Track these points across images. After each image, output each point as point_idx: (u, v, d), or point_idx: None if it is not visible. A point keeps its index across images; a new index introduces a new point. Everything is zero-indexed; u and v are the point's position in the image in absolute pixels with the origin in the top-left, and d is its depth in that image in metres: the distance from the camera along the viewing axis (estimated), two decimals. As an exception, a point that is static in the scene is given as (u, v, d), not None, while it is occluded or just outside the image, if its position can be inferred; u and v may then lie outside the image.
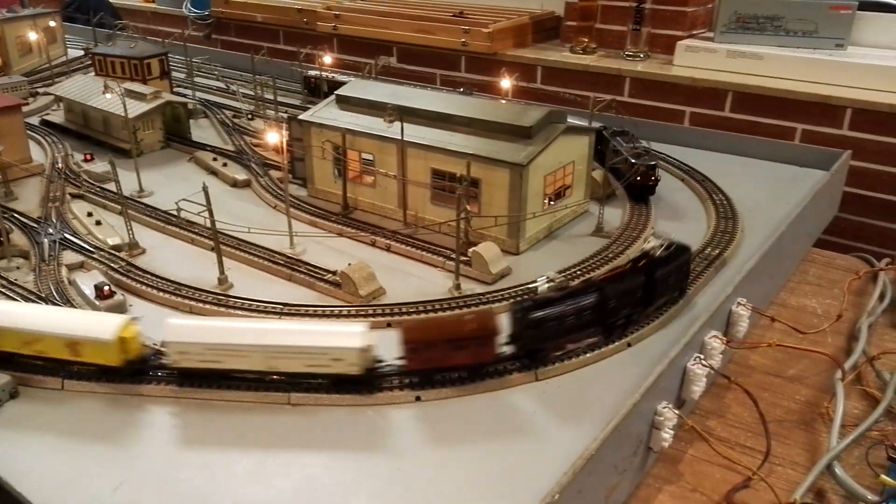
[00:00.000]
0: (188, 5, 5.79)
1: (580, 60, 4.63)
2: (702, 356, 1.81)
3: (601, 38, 4.80)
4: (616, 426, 1.47)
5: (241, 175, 2.96)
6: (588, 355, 1.86)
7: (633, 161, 2.72)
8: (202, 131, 3.48)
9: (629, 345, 1.92)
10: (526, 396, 1.76)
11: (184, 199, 2.19)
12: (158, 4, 6.14)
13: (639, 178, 2.70)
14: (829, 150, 3.23)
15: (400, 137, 2.51)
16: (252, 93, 3.89)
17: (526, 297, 2.06)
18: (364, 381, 1.73)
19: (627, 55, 4.58)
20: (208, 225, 2.21)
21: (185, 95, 3.85)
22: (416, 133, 2.52)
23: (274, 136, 2.45)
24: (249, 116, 3.60)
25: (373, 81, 3.05)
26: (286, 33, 5.73)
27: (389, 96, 2.73)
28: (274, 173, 3.00)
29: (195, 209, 2.20)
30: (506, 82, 3.29)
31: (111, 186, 2.86)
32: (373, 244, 2.50)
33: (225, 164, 3.04)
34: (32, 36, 4.17)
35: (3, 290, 2.18)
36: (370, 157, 2.65)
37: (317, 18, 5.42)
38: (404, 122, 2.48)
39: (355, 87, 2.84)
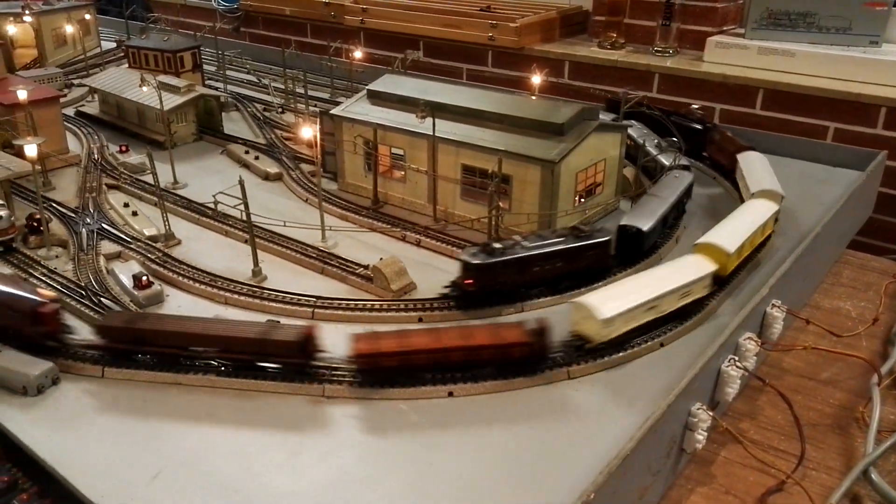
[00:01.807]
0: (218, -2, 5.83)
1: (608, 56, 4.59)
2: (736, 358, 1.79)
3: (630, 33, 4.75)
4: (652, 426, 1.47)
5: (272, 168, 2.98)
6: (620, 354, 1.85)
7: (662, 161, 2.70)
8: (234, 124, 3.51)
9: (662, 345, 1.91)
10: (559, 394, 1.75)
11: (221, 193, 2.21)
12: (188, -3, 6.18)
13: None
14: (863, 149, 3.17)
15: (431, 133, 2.50)
16: (282, 86, 3.90)
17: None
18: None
19: (656, 51, 4.53)
20: (244, 218, 2.23)
21: (216, 88, 3.88)
22: (447, 129, 2.51)
23: (308, 131, 2.46)
24: (280, 110, 3.62)
25: (404, 77, 3.04)
26: (313, 27, 5.74)
27: (420, 92, 2.73)
28: (305, 167, 3.01)
29: (230, 202, 2.23)
30: (536, 78, 3.27)
31: (146, 178, 2.90)
32: (403, 239, 2.51)
33: (257, 158, 3.06)
34: (69, 29, 4.22)
35: (43, 278, 2.21)
36: (401, 152, 2.65)
37: (344, 12, 5.42)
38: (435, 118, 2.47)
39: (386, 82, 2.84)
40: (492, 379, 1.77)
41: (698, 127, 3.13)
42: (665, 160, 2.72)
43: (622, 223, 2.28)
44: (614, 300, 1.84)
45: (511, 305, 2.10)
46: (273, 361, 1.81)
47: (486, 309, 2.07)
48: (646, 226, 2.26)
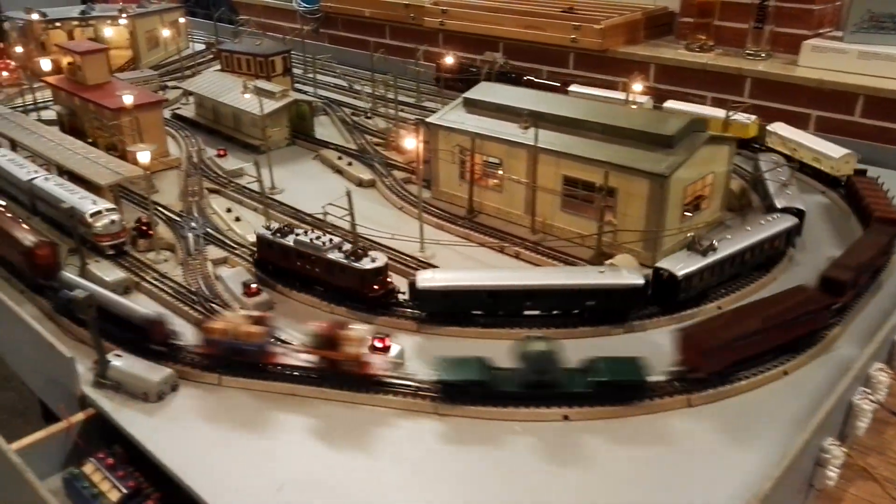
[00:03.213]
0: (298, 0, 5.91)
1: (697, 59, 4.45)
2: (868, 390, 1.71)
3: (719, 35, 4.59)
4: (790, 464, 1.41)
5: (365, 175, 3.00)
6: (742, 383, 1.78)
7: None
8: (323, 128, 3.55)
9: (785, 373, 1.83)
10: (679, 422, 1.70)
11: (330, 204, 2.23)
12: (269, -2, 6.29)
13: None
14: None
15: (530, 142, 2.47)
16: (371, 91, 3.92)
17: None
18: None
19: (748, 54, 4.37)
20: (350, 228, 2.24)
21: (304, 92, 3.93)
22: (547, 138, 2.47)
23: (411, 142, 2.46)
24: (368, 115, 3.64)
25: (499, 84, 3.02)
26: (392, 28, 5.76)
27: (518, 100, 2.70)
28: (397, 174, 3.02)
29: (337, 212, 2.24)
30: (638, 86, 3.19)
31: (243, 181, 2.96)
32: (501, 251, 2.48)
33: (350, 164, 3.08)
34: (165, 32, 4.34)
35: (155, 282, 2.28)
36: (497, 161, 2.63)
37: (424, 14, 5.42)
38: (537, 128, 2.44)
39: (483, 90, 2.82)
40: (608, 404, 1.73)
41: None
42: (778, 201, 2.51)
43: (658, 265, 2.12)
44: None
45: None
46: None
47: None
48: (682, 271, 2.08)
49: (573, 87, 4.02)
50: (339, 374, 1.81)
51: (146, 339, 1.93)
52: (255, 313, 1.91)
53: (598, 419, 1.72)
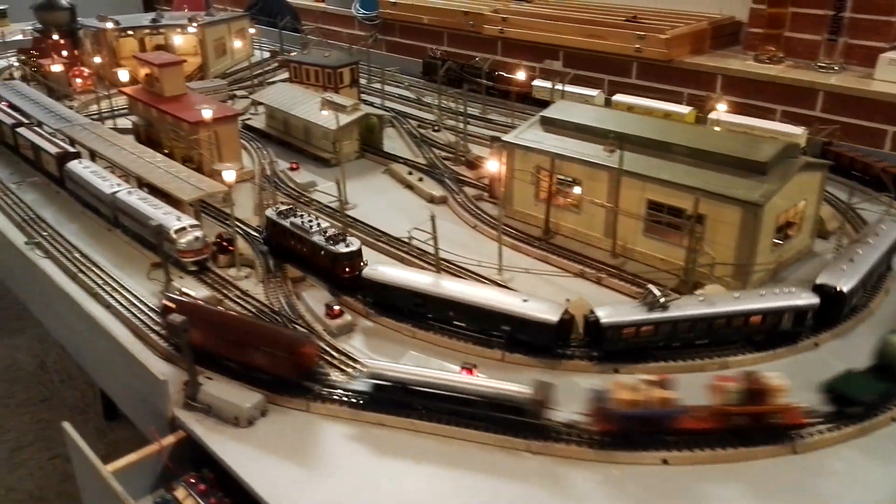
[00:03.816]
0: (357, 6, 5.90)
1: (766, 71, 4.32)
2: None
3: (790, 46, 4.44)
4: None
5: (436, 191, 2.96)
6: (850, 429, 1.70)
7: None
8: (390, 141, 3.52)
9: (894, 420, 1.74)
10: (784, 470, 1.62)
11: (416, 228, 2.20)
12: (328, 4, 6.30)
13: None
14: None
15: (614, 165, 2.40)
16: (438, 103, 3.88)
17: None
18: None
19: (820, 66, 4.22)
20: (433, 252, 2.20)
21: (371, 103, 3.91)
22: (631, 161, 2.40)
23: (494, 165, 2.42)
24: (436, 128, 3.60)
25: (577, 104, 2.95)
26: (451, 35, 5.72)
27: (598, 120, 2.63)
28: (468, 190, 2.97)
29: (410, 231, 2.21)
30: (722, 106, 3.09)
31: (315, 195, 2.95)
32: (581, 275, 2.42)
33: (421, 179, 3.04)
34: (237, 44, 4.37)
35: (237, 300, 2.27)
36: (576, 182, 2.57)
37: (483, 21, 5.37)
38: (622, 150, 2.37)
39: (560, 108, 2.76)
40: (711, 448, 1.66)
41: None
42: (822, 276, 2.24)
43: (819, 282, 2.06)
44: None
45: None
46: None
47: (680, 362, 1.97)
48: (847, 285, 2.03)
49: (537, 83, 4.13)
50: (761, 428, 1.66)
51: (524, 413, 1.71)
52: (653, 377, 1.69)
53: (695, 464, 1.65)
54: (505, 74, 4.20)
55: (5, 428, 4.49)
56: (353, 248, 2.19)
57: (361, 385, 1.83)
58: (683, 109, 3.42)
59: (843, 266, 2.10)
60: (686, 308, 1.95)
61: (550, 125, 2.70)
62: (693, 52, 4.75)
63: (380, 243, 2.58)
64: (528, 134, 2.70)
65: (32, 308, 2.85)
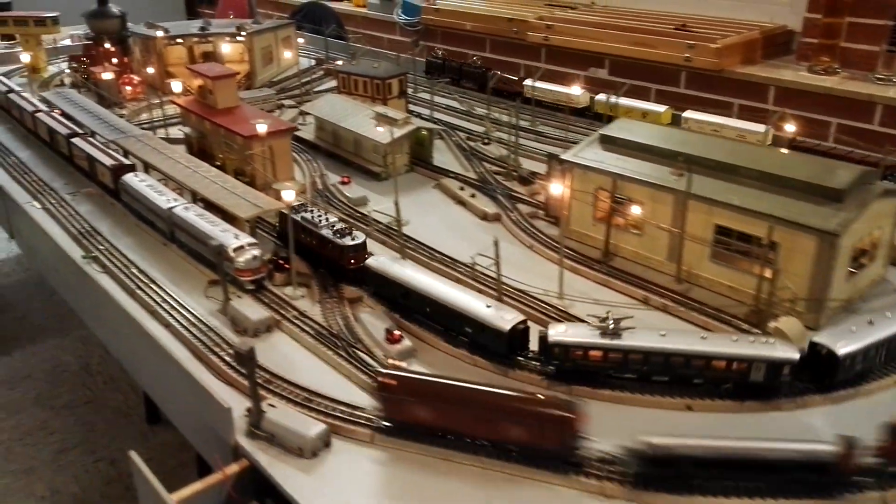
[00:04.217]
0: (399, 12, 5.86)
1: (820, 82, 4.18)
2: None
3: (845, 57, 4.30)
4: None
5: (490, 208, 2.90)
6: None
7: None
8: (440, 154, 3.46)
9: None
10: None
11: (479, 255, 2.14)
12: (369, 10, 6.26)
13: None
14: None
15: (680, 187, 2.32)
16: (486, 113, 3.81)
17: None
18: None
19: (878, 79, 4.07)
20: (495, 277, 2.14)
21: (418, 114, 3.86)
22: (698, 184, 2.31)
23: (558, 188, 2.35)
24: (486, 141, 3.54)
25: (637, 122, 2.87)
26: (493, 42, 5.65)
27: (660, 139, 2.55)
28: (522, 207, 2.91)
29: (474, 257, 2.15)
30: (790, 126, 2.98)
31: (367, 210, 2.90)
32: (645, 302, 2.34)
33: (473, 195, 2.98)
34: (287, 54, 4.35)
35: (295, 321, 2.23)
36: (639, 204, 2.48)
37: (527, 28, 5.29)
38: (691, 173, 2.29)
39: (621, 127, 2.68)
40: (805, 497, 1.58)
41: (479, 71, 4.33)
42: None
43: (816, 339, 1.91)
44: None
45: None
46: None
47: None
48: (846, 349, 1.87)
49: (528, 82, 4.15)
50: None
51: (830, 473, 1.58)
52: None
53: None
54: (503, 75, 4.38)
55: (51, 429, 4.54)
56: (358, 241, 2.32)
57: (625, 457, 1.66)
58: (758, 128, 3.33)
59: (853, 327, 1.93)
60: (640, 340, 1.88)
61: (611, 144, 2.63)
62: (744, 62, 4.63)
63: (443, 267, 2.49)
64: (588, 153, 2.63)
65: (90, 323, 2.85)
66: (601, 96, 3.50)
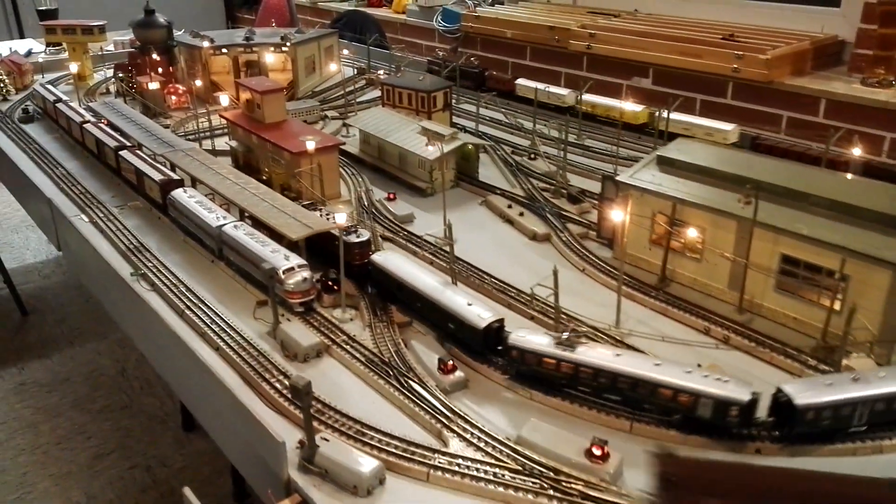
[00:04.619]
0: (438, 19, 5.79)
1: (875, 95, 4.03)
2: None
3: (902, 70, 4.14)
4: None
5: (539, 228, 2.81)
6: None
7: None
8: (485, 169, 3.37)
9: None
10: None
11: (539, 285, 2.06)
12: (409, 16, 6.21)
13: None
14: None
15: (746, 215, 2.21)
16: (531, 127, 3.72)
17: None
18: None
19: (937, 93, 3.91)
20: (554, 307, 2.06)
21: (463, 127, 3.79)
22: (764, 210, 2.20)
23: (619, 215, 2.26)
24: (532, 156, 3.45)
25: (697, 143, 2.76)
26: (533, 50, 5.56)
27: (724, 163, 2.44)
28: (573, 227, 2.82)
29: (533, 287, 2.07)
30: (856, 150, 2.86)
31: (413, 228, 2.84)
32: (707, 333, 2.24)
33: (521, 214, 2.90)
34: (332, 67, 4.31)
35: (345, 346, 2.17)
36: (698, 229, 2.38)
37: (570, 37, 5.19)
38: (758, 199, 2.18)
39: (680, 148, 2.58)
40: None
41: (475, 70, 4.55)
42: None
43: (782, 385, 1.78)
44: None
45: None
46: None
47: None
48: (807, 400, 1.71)
49: (520, 81, 4.30)
50: None
51: None
52: None
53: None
54: (496, 74, 4.59)
55: (88, 433, 4.56)
56: (363, 238, 2.38)
57: None
58: (726, 126, 3.44)
59: (830, 381, 1.77)
60: (591, 356, 1.88)
61: (669, 165, 2.52)
62: (794, 74, 4.49)
63: (496, 292, 2.41)
64: (645, 174, 2.53)
65: (137, 342, 2.82)
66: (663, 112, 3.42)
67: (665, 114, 3.21)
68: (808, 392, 1.73)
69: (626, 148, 3.44)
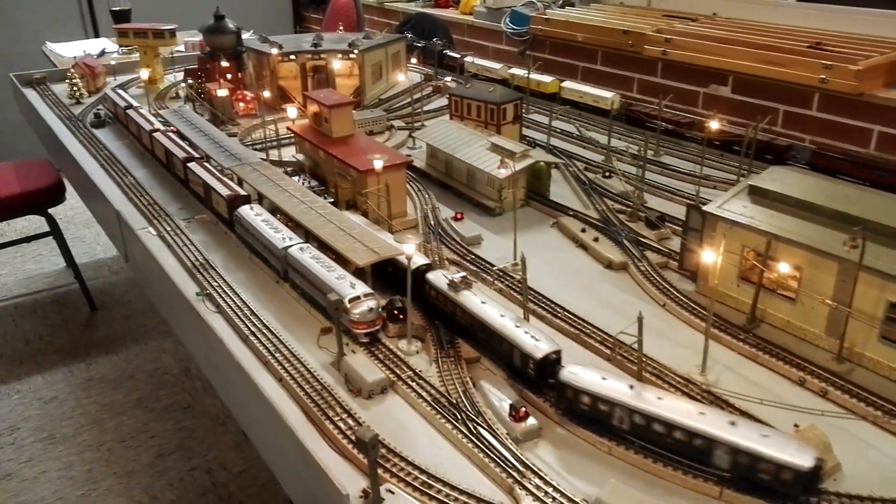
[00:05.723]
0: (507, 20, 5.62)
1: (982, 111, 3.69)
2: None
3: None
4: None
5: (615, 255, 2.64)
6: None
7: None
8: (556, 186, 3.20)
9: None
10: None
11: (622, 333, 1.91)
12: (476, 18, 6.06)
13: None
14: None
15: (851, 258, 2.00)
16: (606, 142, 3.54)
17: None
18: None
19: None
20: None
21: (532, 140, 3.63)
22: (871, 253, 1.99)
23: (710, 256, 2.08)
24: (606, 174, 3.27)
25: (793, 171, 2.54)
26: (605, 54, 5.34)
27: (823, 196, 2.22)
28: (651, 255, 2.64)
29: (617, 335, 1.92)
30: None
31: (481, 252, 2.71)
32: (802, 384, 2.04)
33: (596, 239, 2.73)
34: (401, 77, 4.21)
35: (411, 382, 2.07)
36: (792, 268, 2.18)
37: (644, 42, 4.95)
38: (865, 241, 1.96)
39: (775, 177, 2.36)
40: None
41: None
42: None
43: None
44: None
45: None
46: None
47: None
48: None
49: (469, 58, 4.47)
50: None
51: None
52: None
53: None
54: (451, 54, 4.79)
55: (151, 433, 4.61)
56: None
57: None
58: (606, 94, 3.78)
59: None
60: (642, 402, 1.75)
61: (762, 196, 2.32)
62: (887, 85, 4.16)
63: (572, 329, 2.26)
64: (734, 205, 2.33)
65: (201, 364, 2.79)
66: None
67: (753, 131, 2.97)
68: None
69: (708, 167, 3.22)
